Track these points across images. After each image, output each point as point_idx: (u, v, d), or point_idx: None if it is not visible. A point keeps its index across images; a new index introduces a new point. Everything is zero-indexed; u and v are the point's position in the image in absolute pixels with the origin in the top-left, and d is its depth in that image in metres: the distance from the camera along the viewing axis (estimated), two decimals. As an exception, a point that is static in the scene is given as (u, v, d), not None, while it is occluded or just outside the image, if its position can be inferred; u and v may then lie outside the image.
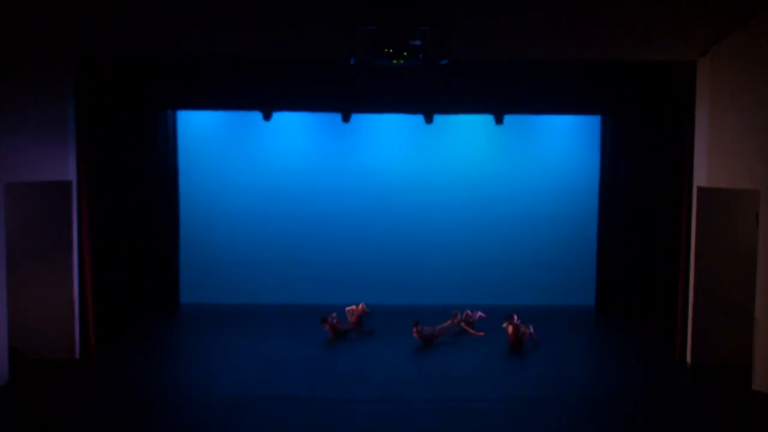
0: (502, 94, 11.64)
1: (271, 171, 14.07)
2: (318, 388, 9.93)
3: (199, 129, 13.97)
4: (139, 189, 13.26)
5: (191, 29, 9.93)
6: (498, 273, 13.89)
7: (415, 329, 11.70)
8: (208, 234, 14.10)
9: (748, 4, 9.21)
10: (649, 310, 12.81)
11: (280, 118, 13.19)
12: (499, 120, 12.29)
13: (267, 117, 12.16)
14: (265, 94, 11.70)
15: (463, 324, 12.23)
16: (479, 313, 12.33)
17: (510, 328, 11.57)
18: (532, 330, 11.73)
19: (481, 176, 14.07)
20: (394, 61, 8.51)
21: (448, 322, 12.20)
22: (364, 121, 13.63)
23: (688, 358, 10.96)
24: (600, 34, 9.98)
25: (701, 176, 10.65)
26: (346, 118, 12.27)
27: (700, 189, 10.71)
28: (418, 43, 8.48)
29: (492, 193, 14.09)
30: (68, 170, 10.74)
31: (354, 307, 12.35)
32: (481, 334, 12.11)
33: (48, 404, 9.36)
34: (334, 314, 12.17)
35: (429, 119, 12.21)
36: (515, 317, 11.66)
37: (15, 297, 10.46)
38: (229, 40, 10.39)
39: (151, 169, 13.42)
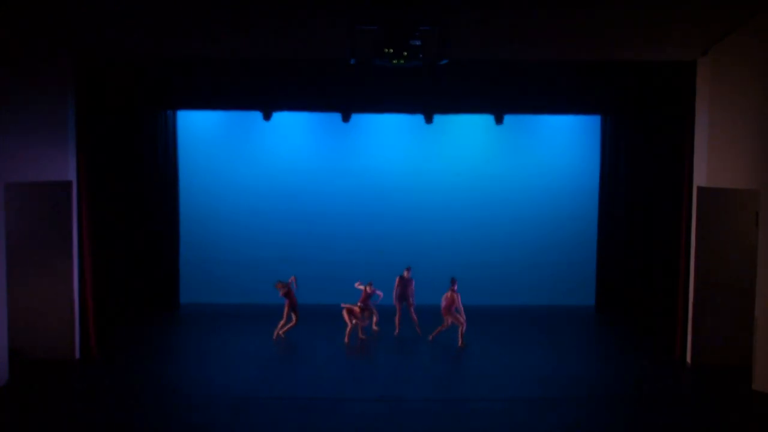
0: (502, 94, 11.66)
1: (271, 171, 14.09)
2: (318, 388, 9.93)
3: (199, 129, 13.98)
4: (139, 189, 13.27)
5: (191, 29, 9.93)
6: (498, 273, 13.90)
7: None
8: (208, 234, 14.12)
9: (748, 4, 9.22)
10: (649, 310, 12.82)
11: (280, 118, 13.20)
12: (499, 120, 12.33)
13: (267, 117, 12.19)
14: (265, 94, 11.71)
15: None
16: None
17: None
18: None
19: (481, 176, 14.09)
20: (394, 61, 8.52)
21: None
22: (364, 121, 13.65)
23: (688, 358, 10.96)
24: (600, 35, 9.98)
25: (701, 176, 10.65)
26: (346, 118, 12.28)
27: (700, 189, 10.71)
28: (418, 43, 8.49)
29: (492, 193, 14.11)
30: (68, 170, 10.74)
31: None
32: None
33: (48, 404, 9.36)
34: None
35: (429, 119, 12.23)
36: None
37: (15, 297, 10.46)
38: (229, 40, 10.40)
39: (151, 169, 13.42)
